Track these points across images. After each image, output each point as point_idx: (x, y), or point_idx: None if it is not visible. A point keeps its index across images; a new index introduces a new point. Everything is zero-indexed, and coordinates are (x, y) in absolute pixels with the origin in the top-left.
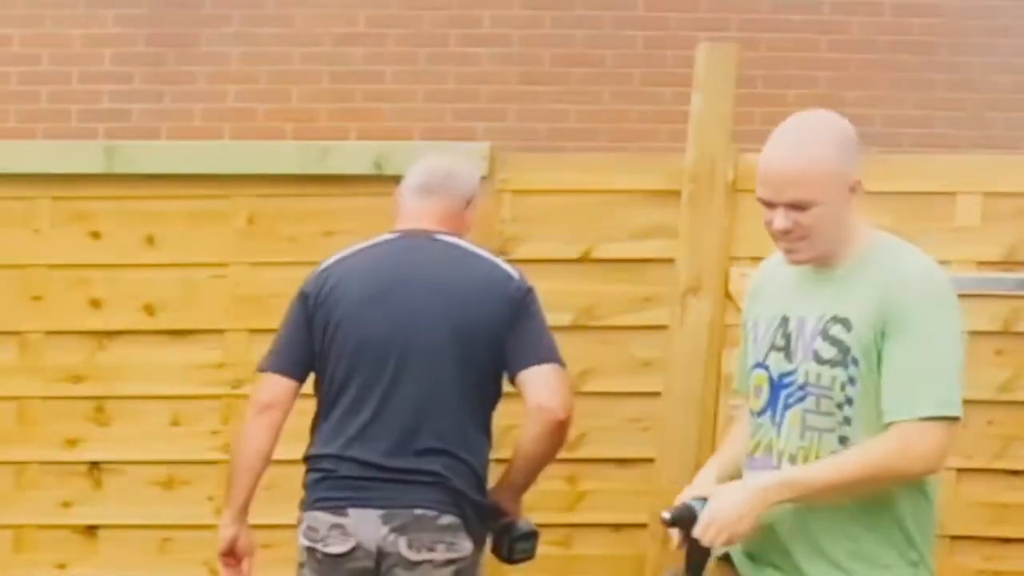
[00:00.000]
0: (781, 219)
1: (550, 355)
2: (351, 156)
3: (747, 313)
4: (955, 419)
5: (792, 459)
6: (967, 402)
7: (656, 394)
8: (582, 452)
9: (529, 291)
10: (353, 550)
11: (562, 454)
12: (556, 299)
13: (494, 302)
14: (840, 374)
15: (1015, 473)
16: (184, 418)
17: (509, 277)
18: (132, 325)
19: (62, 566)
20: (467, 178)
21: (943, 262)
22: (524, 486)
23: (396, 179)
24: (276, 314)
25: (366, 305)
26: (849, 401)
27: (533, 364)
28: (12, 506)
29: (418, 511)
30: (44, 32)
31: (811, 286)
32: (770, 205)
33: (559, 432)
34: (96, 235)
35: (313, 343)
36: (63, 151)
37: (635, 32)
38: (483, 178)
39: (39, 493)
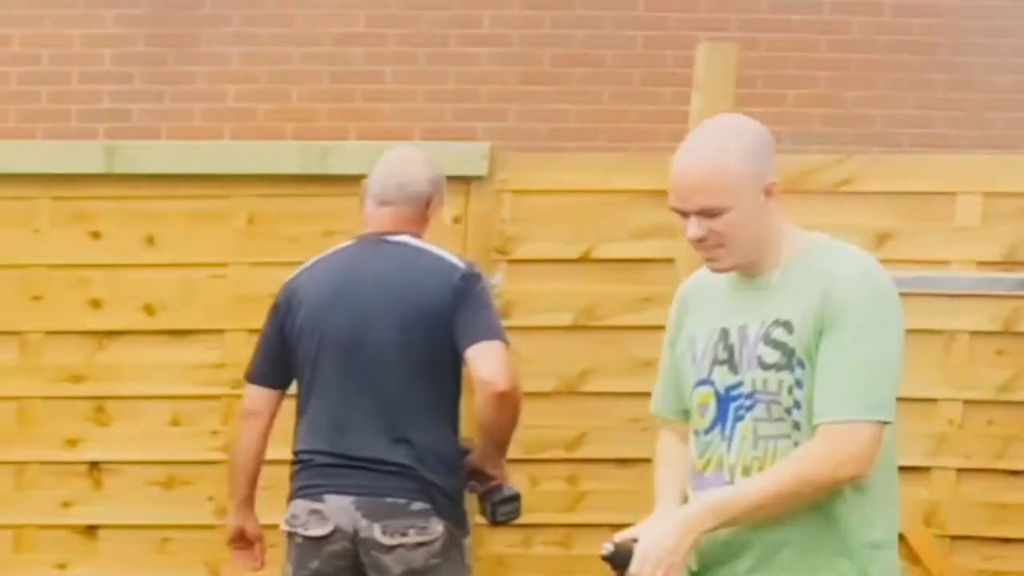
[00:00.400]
0: (694, 227)
1: (491, 333)
2: (351, 156)
3: (678, 332)
4: (885, 423)
5: (746, 471)
6: (967, 402)
7: None
8: (582, 452)
9: (472, 277)
10: (332, 533)
11: (562, 454)
12: (556, 299)
13: (437, 291)
14: (787, 378)
15: (1015, 473)
16: (184, 418)
17: (454, 267)
18: (132, 325)
19: (62, 566)
20: (421, 185)
21: (943, 262)
22: (495, 453)
23: None
24: None
25: (324, 309)
26: (797, 405)
27: (475, 342)
28: (12, 506)
29: (389, 499)
30: (44, 32)
31: (747, 294)
32: (683, 214)
33: (504, 402)
34: (96, 235)
35: (287, 350)
36: (63, 151)
37: (635, 32)
38: (444, 175)
39: (39, 493)
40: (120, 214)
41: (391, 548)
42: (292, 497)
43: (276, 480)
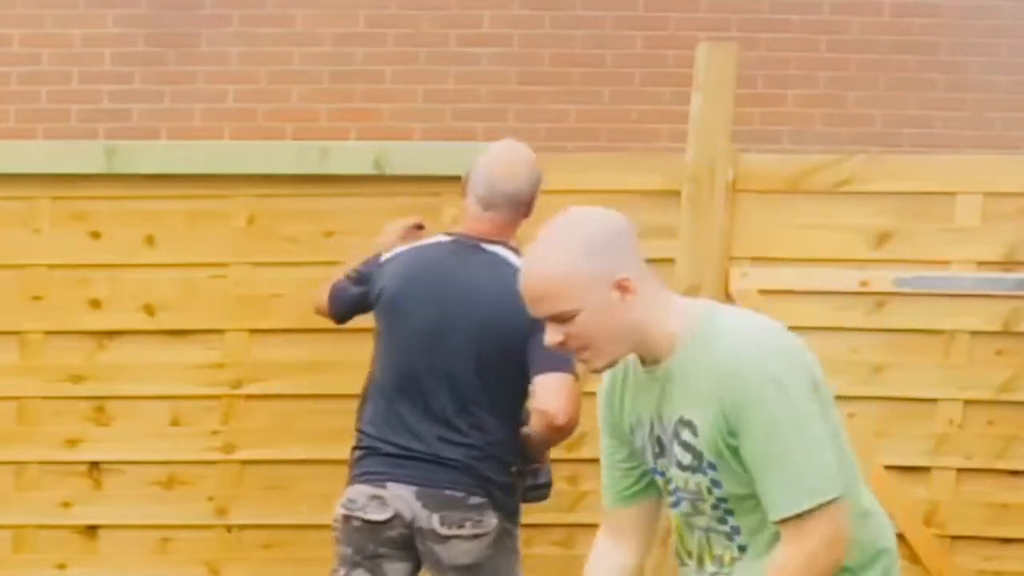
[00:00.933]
0: (550, 333)
1: (561, 365)
2: (351, 156)
3: (611, 425)
4: (835, 496)
5: (691, 555)
6: (967, 402)
7: None
8: (582, 452)
9: None
10: (391, 519)
11: (562, 454)
12: None
13: (517, 311)
14: (702, 479)
15: (1015, 473)
16: (184, 418)
17: None
18: (132, 325)
19: (62, 566)
20: (526, 190)
21: (943, 262)
22: (541, 450)
23: (396, 179)
24: (276, 314)
25: (408, 304)
26: (723, 499)
27: (544, 372)
28: (12, 506)
29: (448, 492)
30: (44, 32)
31: (652, 384)
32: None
33: (556, 432)
34: (96, 235)
35: (363, 301)
36: (63, 151)
37: (635, 32)
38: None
39: (39, 493)
40: (120, 214)
41: (447, 539)
42: (352, 482)
43: (277, 480)
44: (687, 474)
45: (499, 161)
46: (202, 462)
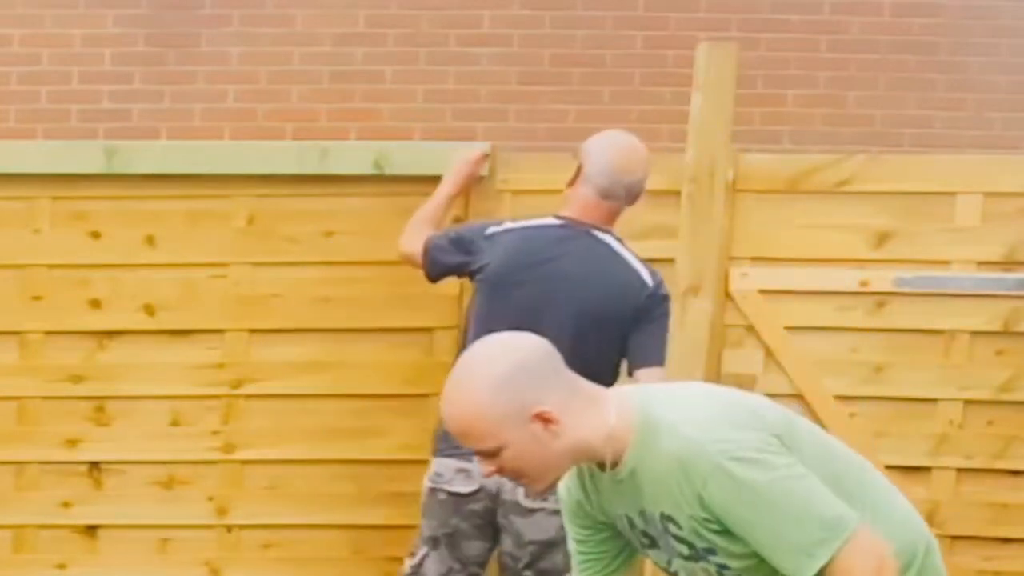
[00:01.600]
0: (483, 465)
1: (660, 358)
2: (351, 156)
3: (589, 521)
4: (850, 531)
5: None
6: (967, 402)
7: None
8: None
9: (657, 298)
10: (477, 491)
11: None
12: None
13: (620, 304)
14: (708, 566)
15: (1015, 473)
16: (184, 418)
17: (643, 284)
18: (132, 325)
19: (62, 566)
20: (642, 183)
21: (943, 262)
22: None
23: (396, 179)
24: (276, 314)
25: (516, 276)
26: (739, 571)
27: (646, 365)
28: (12, 506)
29: None
30: (44, 32)
31: (619, 489)
32: None
33: None
34: (96, 235)
35: (462, 269)
36: (63, 151)
37: (635, 32)
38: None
39: (39, 493)
40: (120, 214)
41: (531, 511)
42: (439, 454)
43: (276, 480)
44: (691, 563)
45: (620, 151)
46: (202, 462)
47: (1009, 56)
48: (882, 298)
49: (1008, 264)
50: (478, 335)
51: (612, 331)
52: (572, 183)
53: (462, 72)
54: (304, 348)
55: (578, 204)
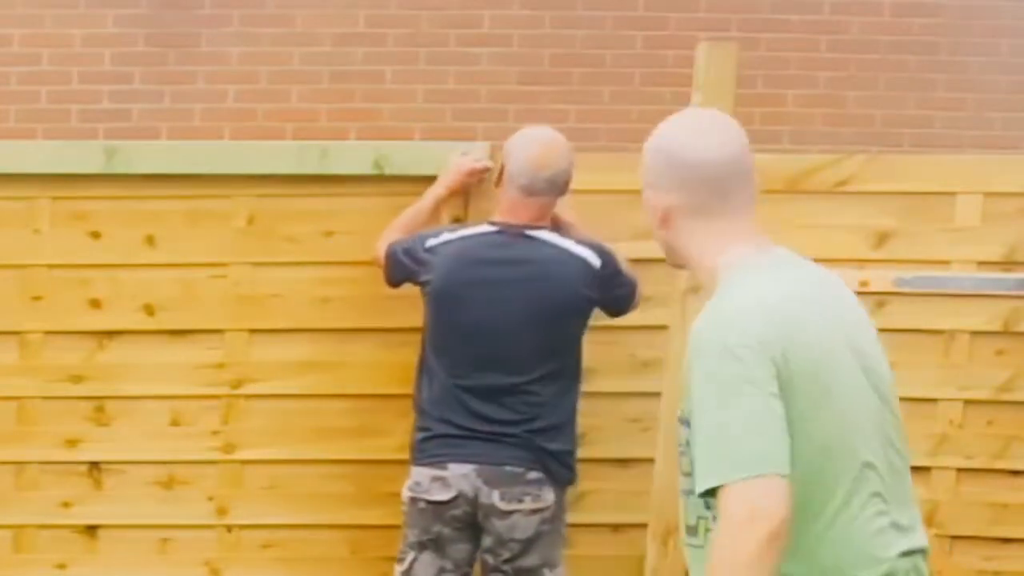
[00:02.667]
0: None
1: (633, 296)
2: (351, 156)
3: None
4: (749, 474)
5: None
6: (967, 402)
7: (656, 394)
8: (582, 452)
9: (609, 271)
10: (454, 499)
11: None
12: None
13: (575, 295)
14: (681, 434)
15: (1015, 473)
16: (184, 418)
17: (591, 267)
18: (132, 325)
19: (62, 566)
20: (565, 172)
21: (943, 262)
22: None
23: (396, 179)
24: (276, 314)
25: (461, 290)
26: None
27: (624, 312)
28: (12, 506)
29: (507, 468)
30: (44, 32)
31: None
32: None
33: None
34: (96, 235)
35: (412, 278)
36: (63, 151)
37: (635, 32)
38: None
39: (39, 493)
40: (120, 214)
41: (508, 513)
42: (415, 463)
43: (276, 480)
44: (683, 428)
45: (537, 147)
46: (202, 462)
47: (1009, 56)
48: (882, 298)
49: (1008, 264)
50: (435, 348)
51: (574, 319)
52: (498, 184)
53: (462, 72)
54: (304, 348)
55: (506, 205)
